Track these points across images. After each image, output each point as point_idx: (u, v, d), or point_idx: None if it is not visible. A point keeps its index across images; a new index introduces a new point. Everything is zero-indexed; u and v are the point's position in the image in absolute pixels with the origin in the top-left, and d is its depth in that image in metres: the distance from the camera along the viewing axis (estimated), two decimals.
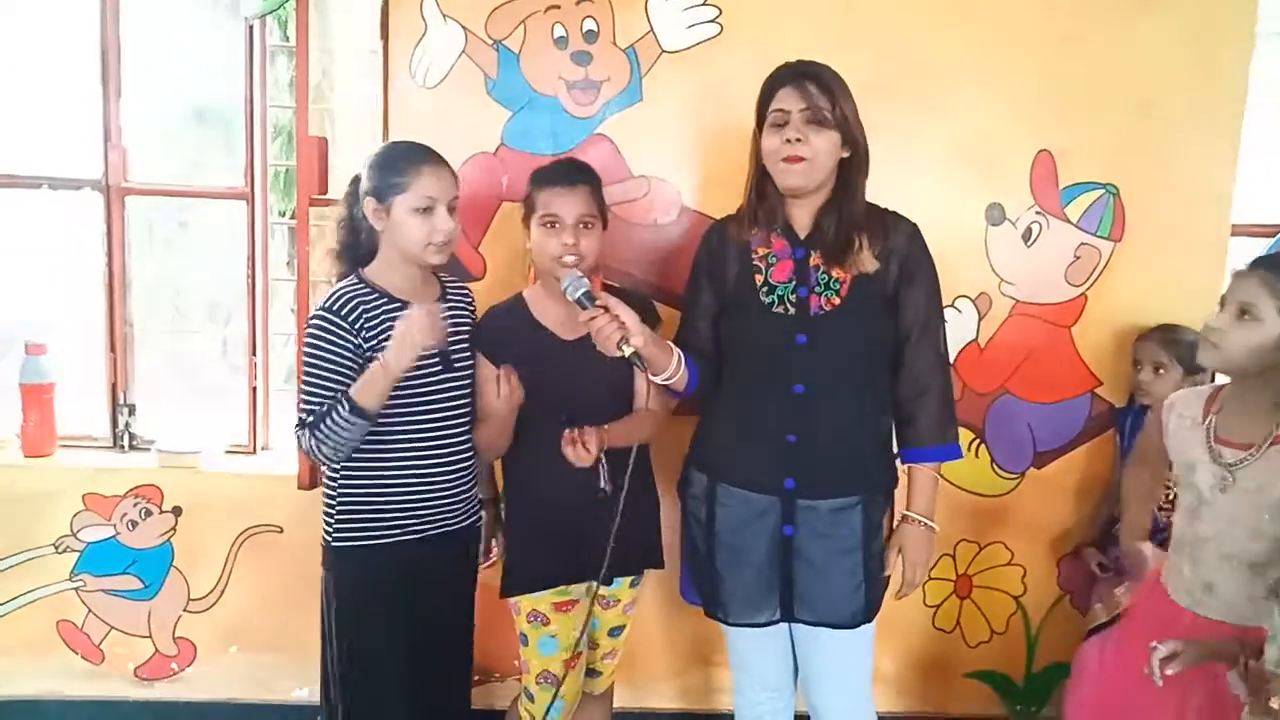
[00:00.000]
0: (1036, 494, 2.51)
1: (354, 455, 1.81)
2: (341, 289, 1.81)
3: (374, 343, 1.77)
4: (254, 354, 2.68)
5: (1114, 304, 2.42)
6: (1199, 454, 1.63)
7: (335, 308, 1.77)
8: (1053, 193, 2.39)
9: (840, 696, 1.88)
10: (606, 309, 1.65)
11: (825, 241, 1.76)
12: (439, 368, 1.85)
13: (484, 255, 2.38)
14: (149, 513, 2.52)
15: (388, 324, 1.77)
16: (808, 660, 1.89)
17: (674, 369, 1.75)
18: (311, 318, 1.79)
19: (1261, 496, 1.53)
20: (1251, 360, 1.54)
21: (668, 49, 2.32)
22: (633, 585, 2.05)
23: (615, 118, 2.33)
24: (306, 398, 1.76)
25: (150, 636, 2.57)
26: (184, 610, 2.57)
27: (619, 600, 2.04)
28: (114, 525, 2.52)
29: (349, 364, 1.76)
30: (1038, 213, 2.39)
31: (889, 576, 1.86)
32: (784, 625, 1.86)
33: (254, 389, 2.69)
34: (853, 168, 1.76)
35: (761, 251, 1.81)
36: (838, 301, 1.75)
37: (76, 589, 2.54)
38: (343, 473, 1.84)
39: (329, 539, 1.87)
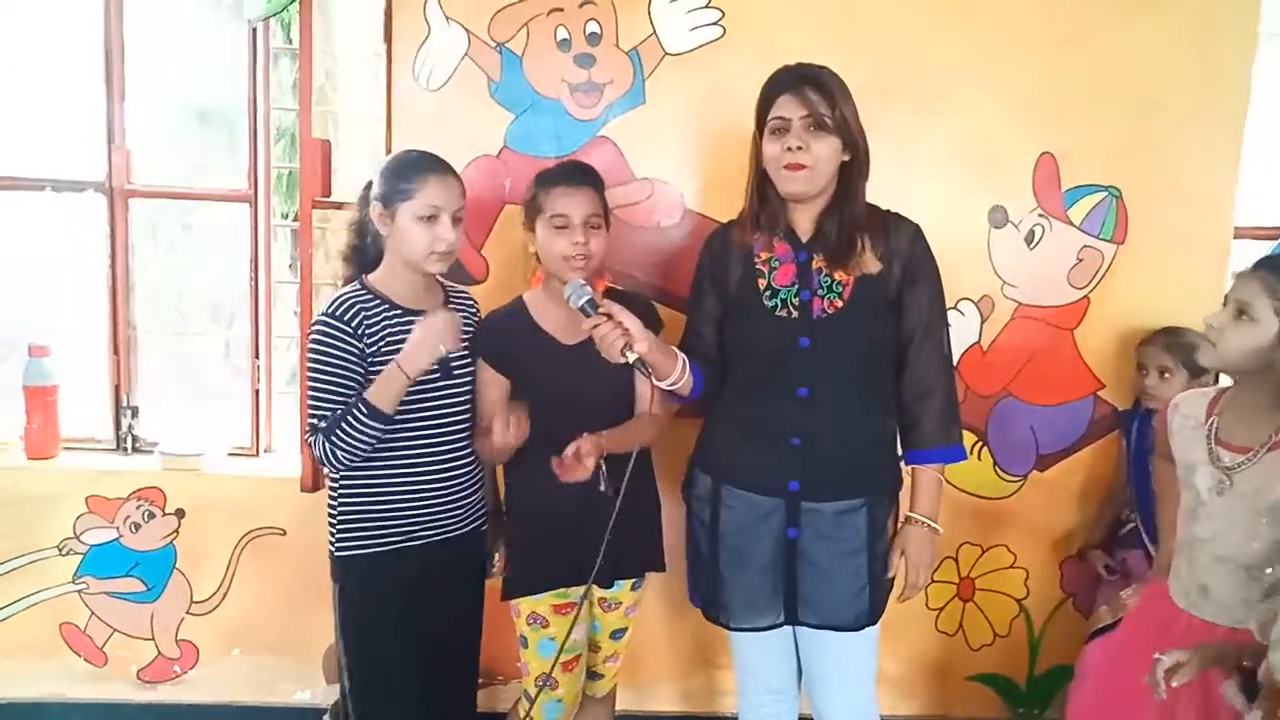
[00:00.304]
0: (1039, 497, 2.51)
1: (353, 467, 1.81)
2: (343, 294, 1.82)
3: (375, 348, 1.78)
4: (256, 356, 2.68)
5: (1117, 306, 2.42)
6: (1199, 456, 1.63)
7: (337, 313, 1.78)
8: (1055, 195, 2.39)
9: (844, 699, 1.88)
10: (610, 316, 1.65)
11: (827, 244, 1.76)
12: (439, 375, 1.84)
13: (486, 258, 2.38)
14: (152, 515, 2.53)
15: (388, 330, 1.78)
16: (811, 663, 1.89)
17: (679, 374, 1.75)
18: (314, 324, 1.80)
19: (1258, 500, 1.53)
20: (1248, 360, 1.54)
21: (670, 51, 2.32)
22: (634, 588, 2.05)
23: (618, 120, 2.33)
24: (315, 404, 1.77)
25: (153, 639, 2.58)
26: (186, 613, 2.57)
27: (620, 603, 2.03)
28: (117, 528, 2.53)
29: (354, 368, 1.77)
30: (1040, 215, 2.39)
31: (893, 578, 1.86)
32: (788, 628, 1.85)
33: (257, 391, 2.69)
34: (853, 170, 1.76)
35: (764, 255, 1.81)
36: (840, 304, 1.75)
37: (79, 591, 2.54)
38: (344, 482, 1.84)
39: (333, 549, 1.87)
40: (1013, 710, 2.63)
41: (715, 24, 2.31)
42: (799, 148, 1.69)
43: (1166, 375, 2.26)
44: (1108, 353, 2.45)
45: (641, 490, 1.80)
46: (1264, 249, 2.54)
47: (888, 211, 1.83)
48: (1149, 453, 2.29)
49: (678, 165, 2.36)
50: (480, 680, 2.48)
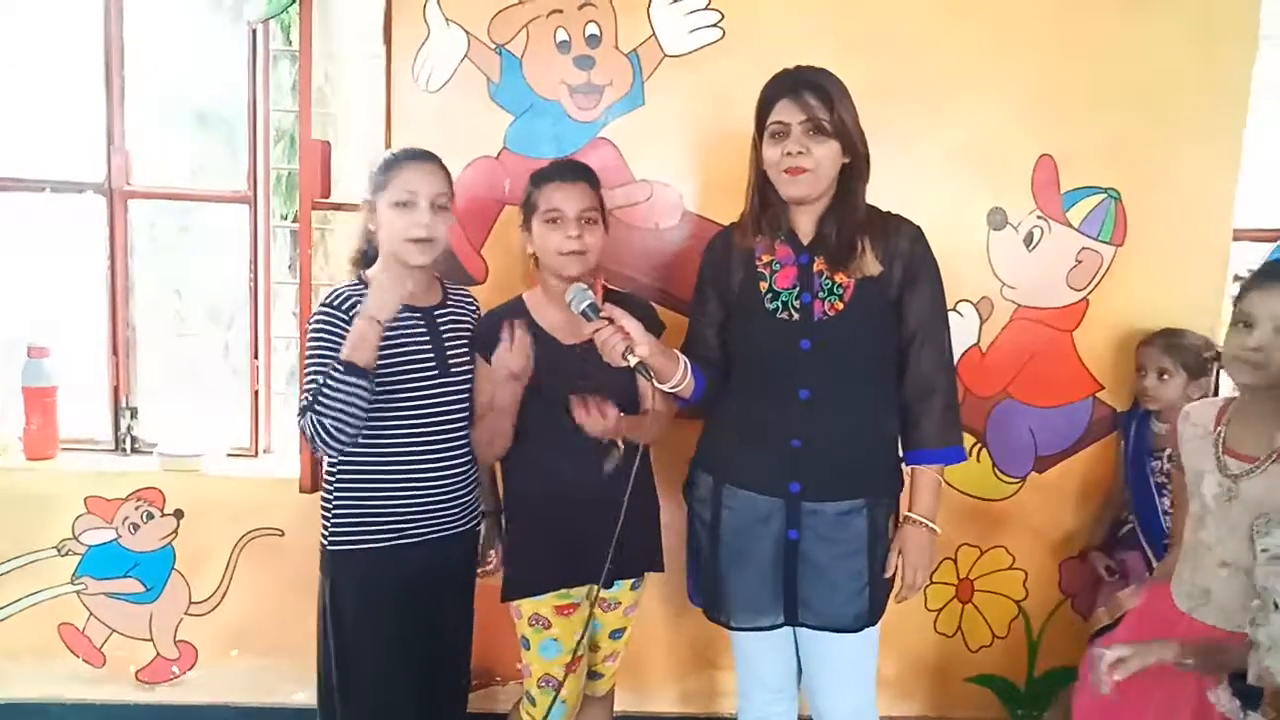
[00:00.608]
0: (1038, 498, 2.51)
1: (351, 458, 1.81)
2: (342, 287, 1.84)
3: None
4: (256, 357, 2.68)
5: (1116, 308, 2.42)
6: (1207, 464, 1.64)
7: (335, 303, 1.80)
8: (1054, 197, 2.39)
9: (844, 700, 1.88)
10: (611, 320, 1.66)
11: (828, 247, 1.77)
12: (436, 372, 1.85)
13: (485, 259, 2.38)
14: (150, 516, 2.53)
15: (389, 324, 1.78)
16: (811, 663, 1.89)
17: (680, 377, 1.76)
18: (314, 313, 1.82)
19: (1263, 508, 1.53)
20: None
21: (670, 53, 2.32)
22: (633, 588, 2.05)
23: (617, 122, 2.34)
24: (307, 385, 1.76)
25: (151, 640, 2.57)
26: (185, 613, 2.57)
27: (620, 603, 2.03)
28: (116, 528, 2.52)
29: None
30: (1039, 217, 2.40)
31: (891, 578, 1.86)
32: (788, 628, 1.86)
33: (256, 392, 2.69)
34: (853, 173, 1.76)
35: (765, 258, 1.82)
36: (841, 307, 1.75)
37: (78, 592, 2.54)
38: (339, 476, 1.84)
39: (325, 543, 1.87)
40: (1011, 712, 2.62)
41: (715, 26, 2.31)
42: (799, 152, 1.69)
43: (1165, 376, 2.26)
44: (1106, 354, 2.45)
45: (641, 491, 1.80)
46: (1264, 251, 2.54)
47: (888, 213, 1.83)
48: (1147, 454, 2.30)
49: (677, 167, 2.36)
50: (478, 681, 2.49)
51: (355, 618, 1.85)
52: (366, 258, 1.92)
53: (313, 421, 1.69)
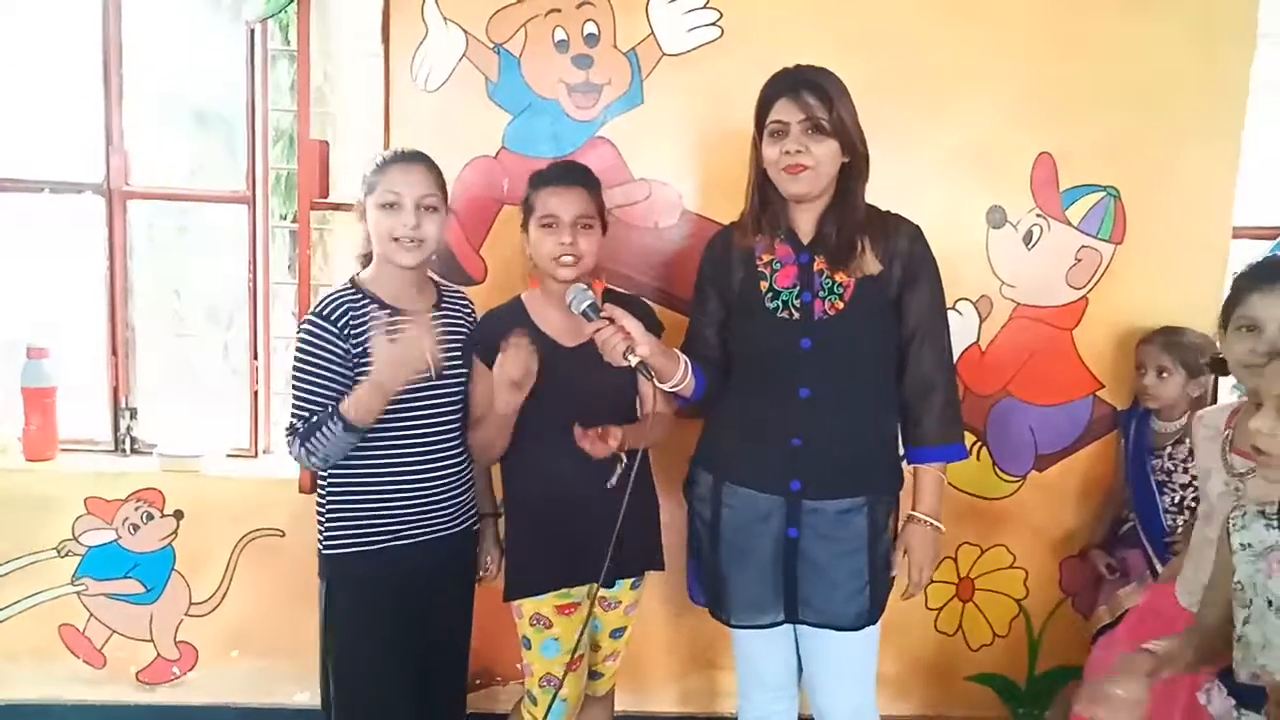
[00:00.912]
0: (1038, 497, 2.51)
1: (346, 462, 1.80)
2: (332, 294, 1.82)
3: (362, 348, 1.76)
4: (255, 357, 2.68)
5: (1115, 306, 2.42)
6: (1214, 463, 1.65)
7: (324, 313, 1.77)
8: (1054, 195, 2.39)
9: (844, 698, 1.88)
10: (612, 320, 1.66)
11: (828, 246, 1.77)
12: (429, 375, 1.82)
13: (484, 259, 2.38)
14: (150, 516, 2.52)
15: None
16: (812, 662, 1.89)
17: (681, 376, 1.76)
18: (301, 323, 1.80)
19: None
20: None
21: (669, 52, 2.32)
22: (634, 587, 2.05)
23: (616, 121, 2.33)
24: (297, 405, 1.77)
25: (152, 640, 2.57)
26: (185, 614, 2.57)
27: (620, 602, 2.03)
28: (116, 529, 2.52)
29: (338, 370, 1.76)
30: (1038, 215, 2.39)
31: (895, 577, 1.86)
32: (788, 626, 1.86)
33: (255, 392, 2.69)
34: (853, 172, 1.76)
35: (766, 258, 1.82)
36: (841, 306, 1.76)
37: (78, 593, 2.54)
38: (334, 479, 1.84)
39: (321, 546, 1.87)
40: (1012, 710, 2.62)
41: (713, 25, 2.31)
42: (798, 151, 1.69)
43: (1165, 375, 2.26)
44: (1106, 352, 2.45)
45: (641, 490, 1.80)
46: (1263, 249, 2.54)
47: (888, 213, 1.84)
48: (1147, 452, 2.30)
49: (676, 166, 2.36)
50: (479, 682, 2.49)
51: (352, 620, 1.85)
52: (369, 260, 1.91)
53: (301, 452, 1.75)
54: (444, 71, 2.31)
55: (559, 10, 2.30)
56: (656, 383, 1.72)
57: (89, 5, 2.55)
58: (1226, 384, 2.48)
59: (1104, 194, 2.39)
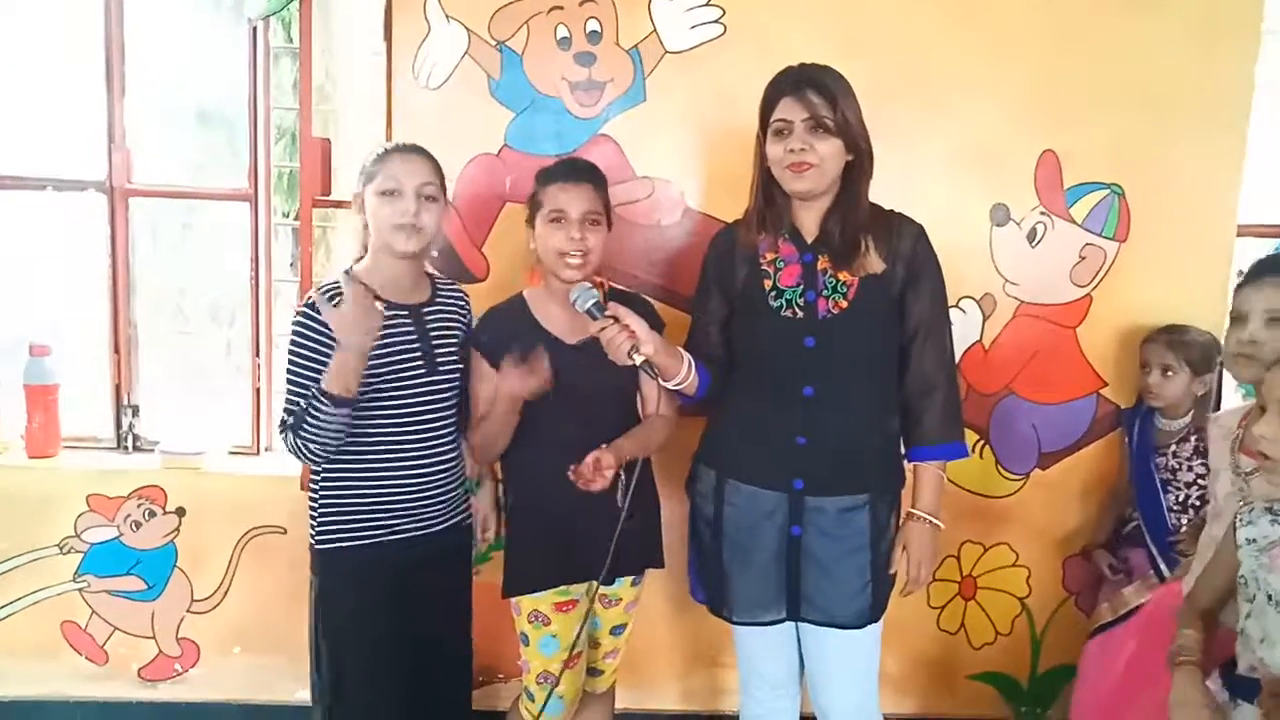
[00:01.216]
0: (1041, 495, 2.50)
1: (340, 456, 1.79)
2: (325, 286, 1.79)
3: None
4: (257, 355, 2.68)
5: (1119, 304, 2.41)
6: (1223, 463, 1.67)
7: (317, 304, 1.75)
8: (1057, 193, 2.38)
9: (847, 697, 1.88)
10: (616, 319, 1.66)
11: (832, 245, 1.77)
12: (424, 371, 1.83)
13: (487, 256, 2.37)
14: (152, 514, 2.53)
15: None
16: (814, 660, 1.89)
17: (684, 374, 1.76)
18: (295, 316, 1.79)
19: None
20: None
21: (671, 49, 2.31)
22: (634, 584, 2.05)
23: (618, 118, 2.33)
24: (290, 399, 1.75)
25: (154, 637, 2.58)
26: (187, 611, 2.57)
27: (621, 599, 2.03)
28: (117, 526, 2.53)
29: (329, 362, 1.73)
30: (1042, 213, 2.39)
31: (895, 574, 1.86)
32: (790, 624, 1.86)
33: (257, 390, 2.69)
34: (857, 171, 1.76)
35: (769, 256, 1.82)
36: (845, 305, 1.76)
37: (80, 590, 2.54)
38: (327, 474, 1.83)
39: (314, 541, 1.85)
40: (1015, 709, 2.62)
41: (716, 22, 2.30)
42: (802, 149, 1.69)
43: (1169, 373, 2.25)
44: (1110, 351, 2.44)
45: (642, 488, 1.80)
46: (1267, 246, 2.54)
47: (891, 211, 1.84)
48: (1151, 451, 2.29)
49: (678, 163, 2.35)
50: (480, 679, 2.49)
51: (346, 616, 1.84)
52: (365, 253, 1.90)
53: (295, 444, 1.72)
54: (446, 69, 2.31)
55: (561, 7, 2.29)
56: (661, 381, 1.72)
57: (91, 3, 2.55)
58: (1230, 382, 2.47)
59: (1108, 192, 2.38)
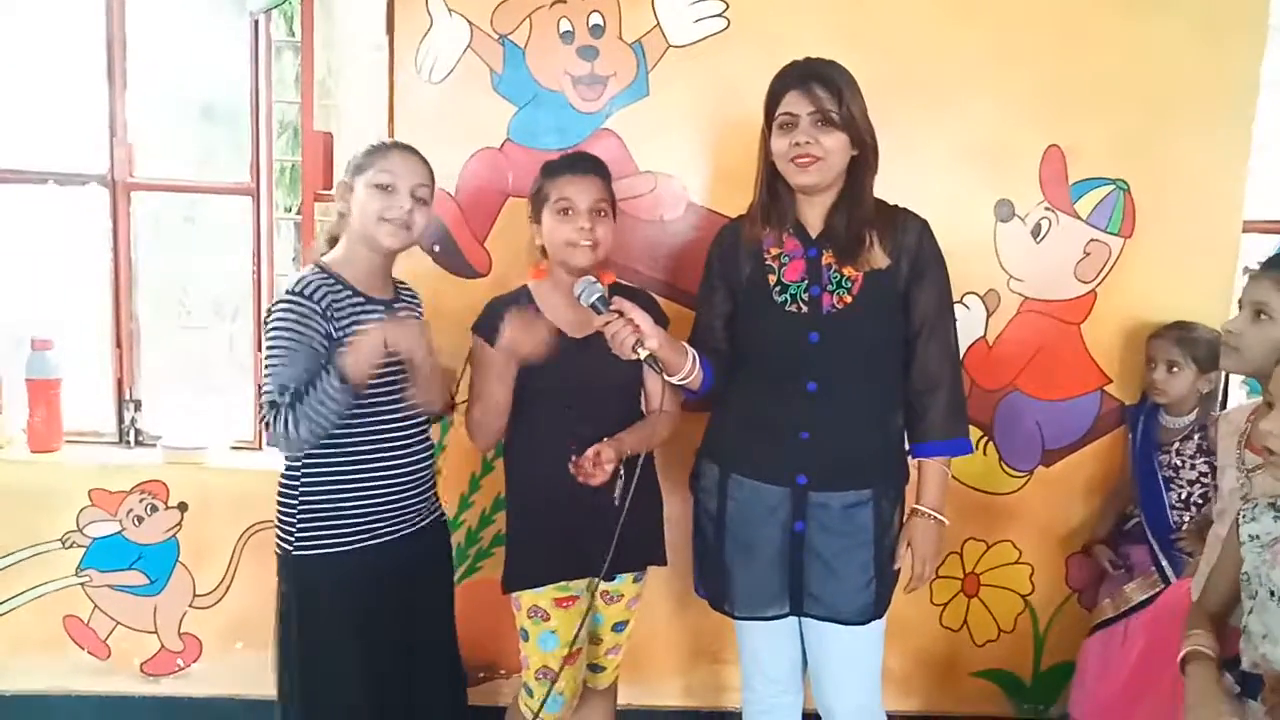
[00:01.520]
0: (1045, 492, 2.50)
1: (317, 457, 1.74)
2: (305, 276, 1.74)
3: (342, 334, 1.70)
4: (259, 350, 2.67)
5: (1124, 301, 2.40)
6: (1229, 459, 1.68)
7: (305, 292, 1.70)
8: (1062, 189, 2.37)
9: (849, 694, 1.88)
10: (621, 313, 1.65)
11: (837, 240, 1.77)
12: (399, 364, 1.78)
13: (489, 251, 2.37)
14: (155, 508, 2.53)
15: (351, 315, 1.73)
16: (817, 656, 1.89)
17: (689, 369, 1.75)
18: (278, 302, 1.71)
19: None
20: (1270, 360, 1.54)
21: (675, 44, 2.30)
22: (636, 580, 2.04)
23: (622, 113, 2.32)
24: (276, 377, 1.64)
25: (156, 632, 2.58)
26: (190, 606, 2.57)
27: (622, 595, 2.03)
28: (120, 521, 2.52)
29: (321, 347, 1.69)
30: (1047, 209, 2.38)
31: (899, 570, 1.86)
32: (794, 620, 1.86)
33: (259, 385, 2.68)
34: (862, 166, 1.76)
35: (774, 251, 1.81)
36: (849, 300, 1.75)
37: (82, 584, 2.54)
38: (306, 477, 1.76)
39: (289, 548, 1.77)
40: (1017, 706, 2.62)
41: (719, 16, 2.29)
42: (807, 142, 1.69)
43: (1175, 370, 2.24)
44: (1114, 347, 2.43)
45: (644, 484, 1.80)
46: (1273, 242, 2.53)
47: (896, 207, 1.83)
48: (1155, 448, 2.29)
49: (682, 158, 2.34)
50: (480, 674, 2.49)
51: (323, 626, 1.76)
52: (333, 243, 1.84)
53: (289, 420, 1.60)
54: (448, 63, 2.30)
55: (564, 1, 2.28)
56: (665, 375, 1.72)
57: None
58: (1236, 380, 2.47)
59: (1113, 187, 2.37)
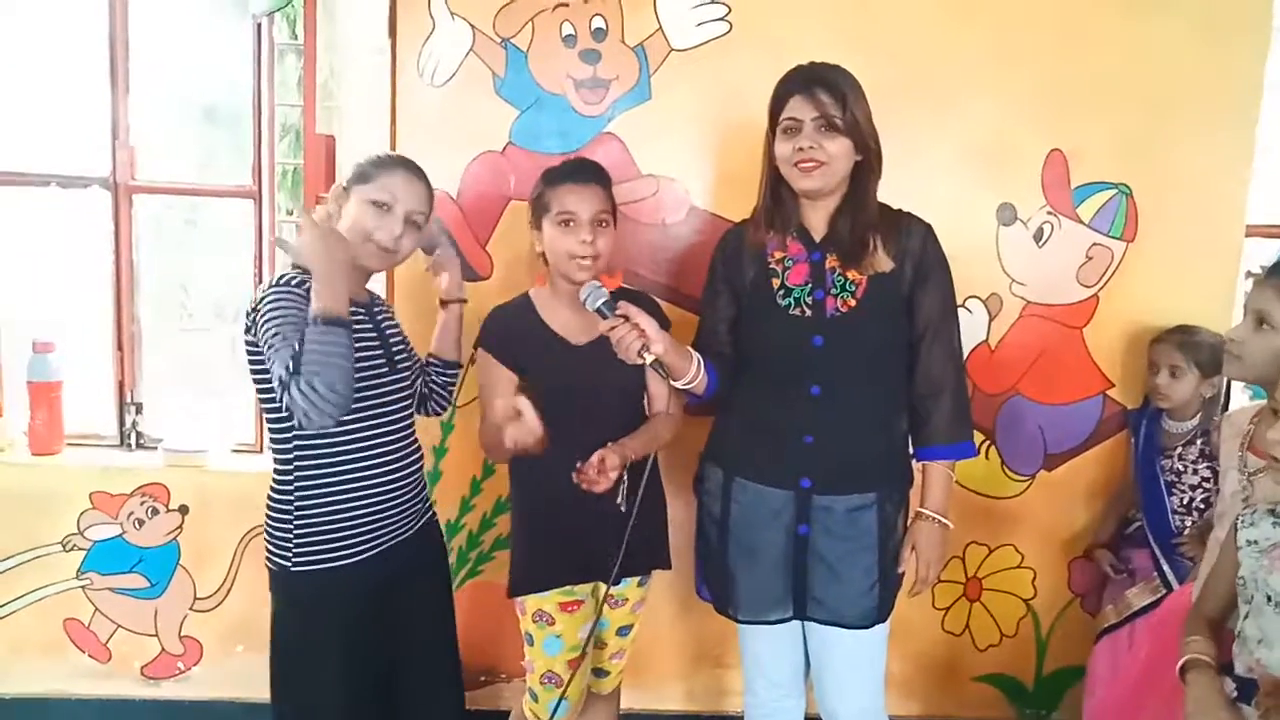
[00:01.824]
0: (1047, 496, 2.49)
1: (311, 468, 1.70)
2: (289, 274, 1.69)
3: None
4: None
5: (1126, 305, 2.40)
6: (1231, 462, 1.67)
7: (292, 282, 1.65)
8: (1064, 193, 2.37)
9: (853, 697, 1.87)
10: (627, 318, 1.65)
11: (840, 244, 1.77)
12: (385, 368, 1.78)
13: (490, 255, 2.37)
14: (155, 511, 2.52)
15: None
16: (820, 660, 1.88)
17: (694, 374, 1.75)
18: (271, 291, 1.64)
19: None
20: (1272, 368, 1.53)
21: (677, 47, 2.31)
22: (640, 584, 2.04)
23: (624, 116, 2.32)
24: (280, 356, 1.54)
25: (156, 635, 2.58)
26: (190, 609, 2.57)
27: (627, 600, 2.03)
28: (121, 524, 2.52)
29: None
30: (1049, 213, 2.38)
31: (903, 573, 1.86)
32: (797, 624, 1.86)
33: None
34: (866, 170, 1.76)
35: (778, 255, 1.81)
36: (853, 303, 1.75)
37: (83, 587, 2.54)
38: (296, 489, 1.72)
39: (286, 564, 1.71)
40: (1020, 711, 2.61)
41: (721, 19, 2.30)
42: (811, 147, 1.69)
43: (1178, 374, 2.24)
44: (1117, 351, 2.43)
45: (648, 489, 1.79)
46: (1276, 247, 2.52)
47: (900, 211, 1.83)
48: (1157, 452, 2.28)
49: (684, 162, 2.34)
50: (482, 679, 2.49)
51: (332, 635, 1.73)
52: None
53: (304, 386, 1.48)
54: (451, 66, 2.30)
55: (566, 4, 2.29)
56: (670, 380, 1.72)
57: None
58: (1238, 384, 2.46)
59: (1115, 191, 2.37)
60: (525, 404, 1.66)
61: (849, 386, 1.77)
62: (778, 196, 1.80)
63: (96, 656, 2.57)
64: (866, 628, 1.80)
